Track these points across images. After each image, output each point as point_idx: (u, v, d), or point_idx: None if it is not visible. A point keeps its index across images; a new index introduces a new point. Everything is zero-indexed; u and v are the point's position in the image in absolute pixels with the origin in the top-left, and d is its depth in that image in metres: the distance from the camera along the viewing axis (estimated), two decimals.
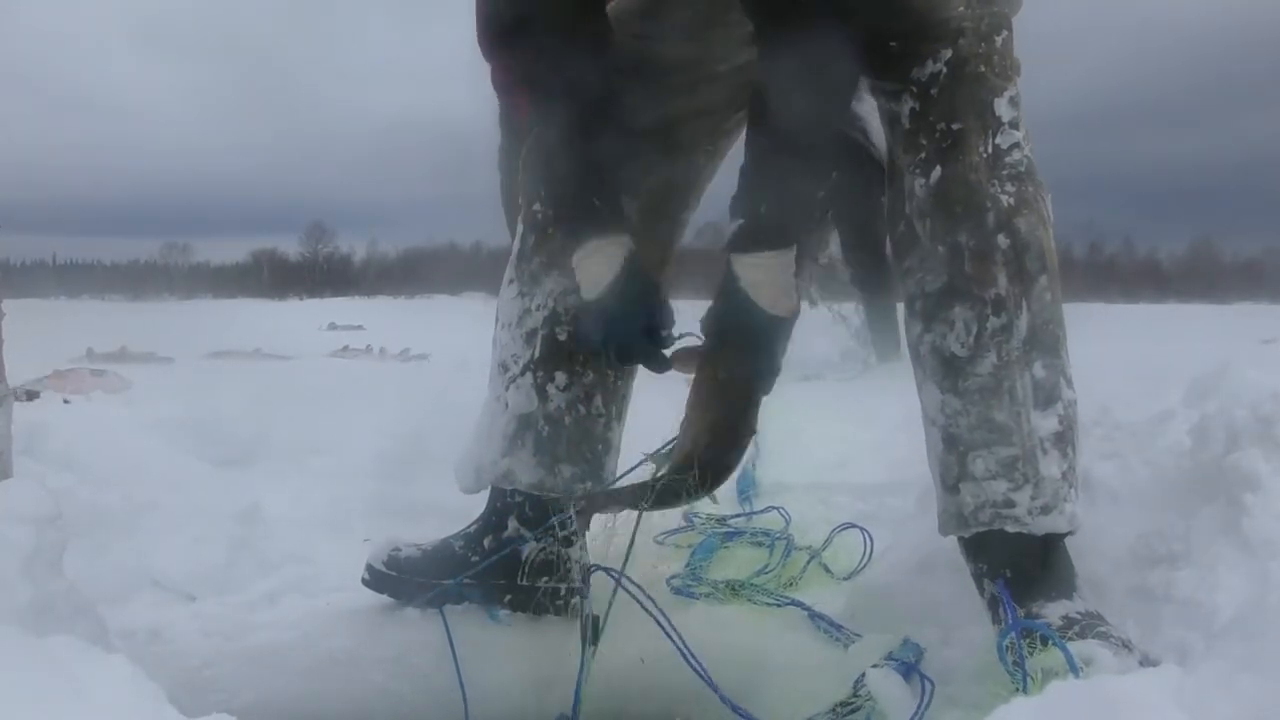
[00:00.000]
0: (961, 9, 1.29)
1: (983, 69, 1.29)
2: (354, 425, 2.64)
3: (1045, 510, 1.25)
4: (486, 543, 1.55)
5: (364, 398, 2.98)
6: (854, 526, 1.77)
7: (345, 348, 6.94)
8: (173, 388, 3.71)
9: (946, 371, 1.29)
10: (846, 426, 2.98)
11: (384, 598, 1.54)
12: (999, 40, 1.31)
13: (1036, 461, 1.25)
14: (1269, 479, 1.25)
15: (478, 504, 1.63)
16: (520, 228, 1.57)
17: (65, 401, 3.18)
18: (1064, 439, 1.27)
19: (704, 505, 2.20)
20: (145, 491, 1.99)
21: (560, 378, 1.51)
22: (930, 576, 1.36)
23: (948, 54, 1.29)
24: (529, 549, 1.54)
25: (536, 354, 1.52)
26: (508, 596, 1.53)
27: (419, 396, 2.95)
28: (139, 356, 5.77)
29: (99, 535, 1.75)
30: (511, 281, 1.56)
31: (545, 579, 1.54)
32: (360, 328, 10.13)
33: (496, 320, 1.59)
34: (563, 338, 1.51)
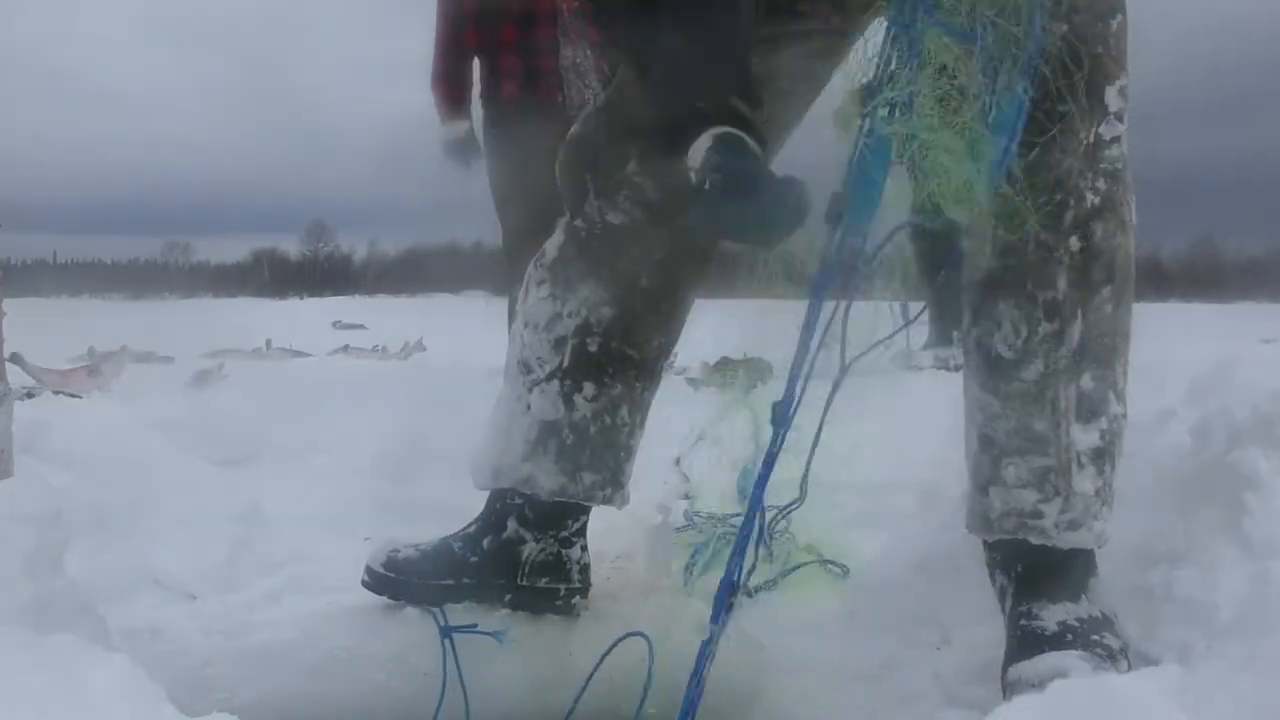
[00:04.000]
0: None
1: (1099, 50, 1.20)
2: (355, 424, 2.65)
3: (1073, 526, 1.22)
4: (485, 543, 1.55)
5: (365, 397, 2.98)
6: None
7: (346, 346, 6.95)
8: (174, 386, 3.71)
9: (990, 371, 1.25)
10: (847, 425, 2.98)
11: (385, 597, 1.54)
12: (1114, 23, 1.22)
13: (1070, 475, 1.22)
14: (1269, 478, 1.25)
15: (478, 503, 1.63)
16: (560, 236, 1.53)
17: (56, 392, 3.19)
18: (1103, 455, 1.23)
19: (705, 504, 2.22)
20: (146, 490, 1.99)
21: (588, 388, 1.49)
22: (930, 576, 1.36)
23: (1062, 28, 1.19)
24: (528, 549, 1.54)
25: (565, 363, 1.49)
26: (508, 596, 1.53)
27: (420, 396, 2.95)
28: (140, 355, 5.78)
29: (100, 534, 1.75)
30: (542, 283, 1.52)
31: (545, 579, 1.54)
32: (362, 326, 10.13)
33: (520, 317, 1.56)
34: (593, 349, 1.48)
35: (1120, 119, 1.23)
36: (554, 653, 1.47)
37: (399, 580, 1.52)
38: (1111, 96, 1.22)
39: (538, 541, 1.54)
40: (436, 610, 1.45)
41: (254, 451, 2.54)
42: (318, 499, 2.11)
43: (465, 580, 1.52)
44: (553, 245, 1.54)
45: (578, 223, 1.50)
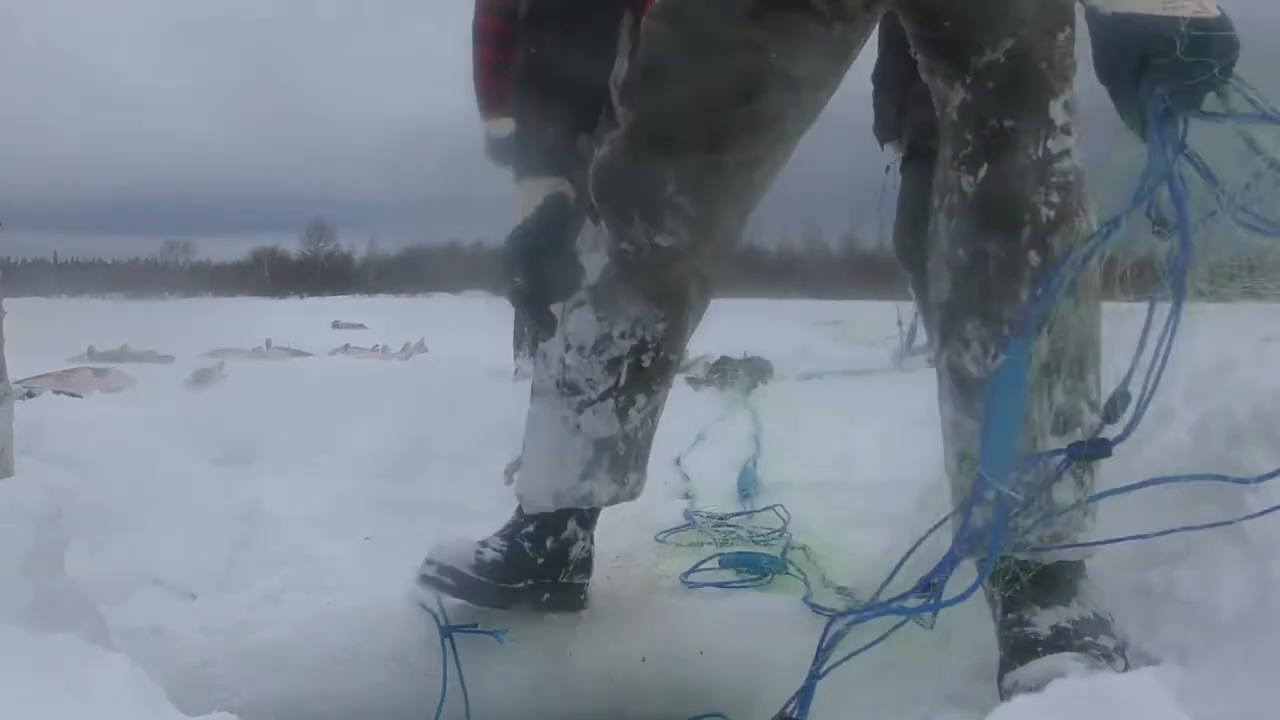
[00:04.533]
0: None
1: (1043, 66, 1.23)
2: (355, 424, 2.65)
3: (1056, 539, 1.22)
4: (549, 543, 1.53)
5: (365, 396, 2.98)
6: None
7: (346, 346, 6.95)
8: (174, 386, 3.72)
9: (962, 392, 1.26)
10: (848, 424, 2.99)
11: (384, 595, 1.54)
12: (1061, 36, 1.25)
13: (1050, 489, 1.21)
14: None
15: (478, 503, 1.63)
16: (603, 259, 1.50)
17: (57, 392, 3.20)
18: (1081, 466, 1.23)
19: (705, 504, 2.22)
20: (146, 490, 1.99)
21: (640, 400, 1.52)
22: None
23: (1009, 44, 1.22)
24: (576, 548, 1.55)
25: (621, 382, 1.50)
26: (546, 595, 1.52)
27: (420, 395, 2.95)
28: (140, 355, 5.79)
29: (100, 534, 1.75)
30: (582, 304, 1.50)
31: (580, 575, 1.56)
32: (362, 326, 10.13)
33: (559, 340, 1.53)
34: (647, 364, 1.50)
35: (1068, 132, 1.24)
36: (554, 653, 1.48)
37: (487, 584, 1.48)
38: (1056, 111, 1.24)
39: (582, 540, 1.56)
40: (436, 610, 1.45)
41: (254, 451, 2.54)
42: (318, 498, 2.11)
43: (529, 581, 1.51)
44: (595, 267, 1.51)
45: (624, 245, 1.47)
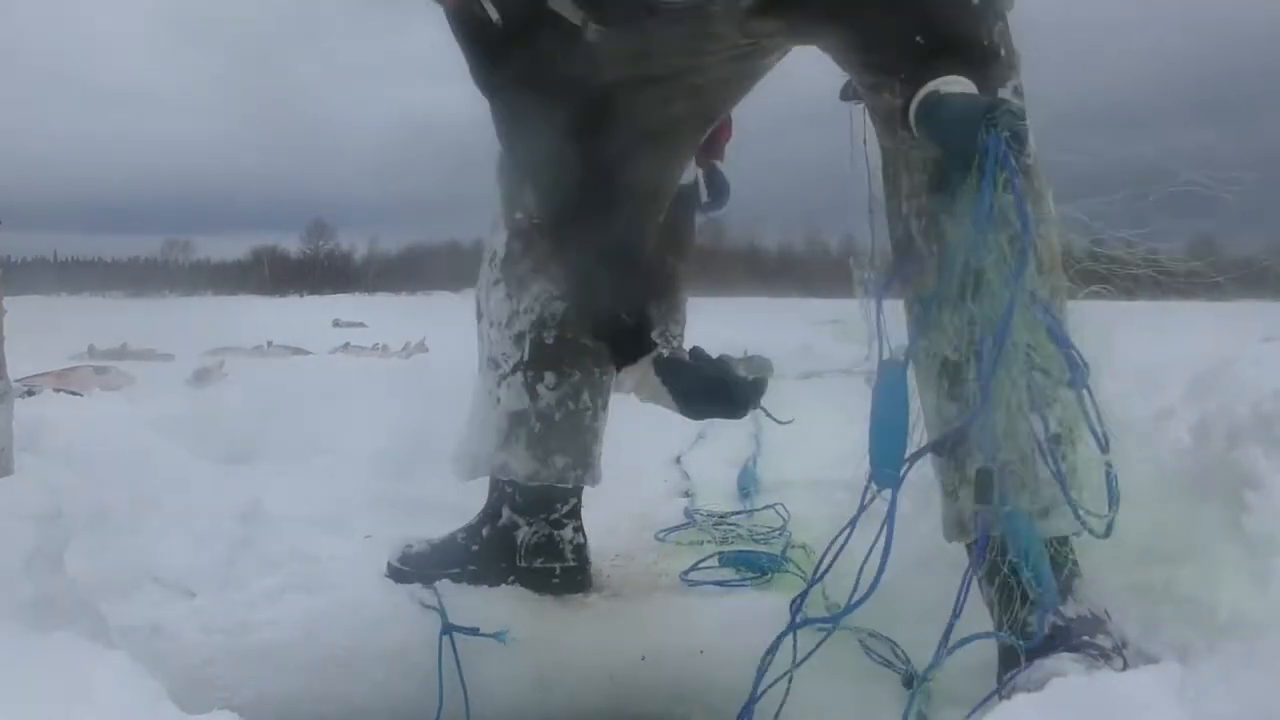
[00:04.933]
0: None
1: (1003, 53, 1.27)
2: (355, 422, 2.64)
3: (1044, 514, 1.23)
4: (485, 532, 1.65)
5: (365, 395, 2.97)
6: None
7: (347, 345, 6.95)
8: (174, 385, 3.72)
9: (942, 377, 1.29)
10: (847, 424, 2.98)
11: (384, 594, 1.55)
12: (998, 27, 1.28)
13: (1034, 465, 1.23)
14: (1270, 476, 1.25)
15: (477, 501, 1.65)
16: (504, 233, 1.62)
17: (57, 390, 3.20)
18: (1062, 441, 1.24)
19: (705, 503, 2.23)
20: (146, 488, 1.99)
21: (549, 378, 1.59)
22: (930, 576, 1.36)
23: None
24: (522, 533, 1.63)
25: (525, 356, 1.59)
26: (511, 578, 1.62)
27: (420, 394, 2.95)
28: (140, 353, 5.79)
29: (100, 532, 1.75)
30: (498, 282, 1.62)
31: (540, 560, 1.63)
32: (362, 324, 10.12)
33: (482, 316, 1.65)
34: (549, 341, 1.59)
35: (1022, 117, 1.24)
36: (554, 652, 1.48)
37: (411, 573, 1.60)
38: (1007, 96, 1.26)
39: (530, 525, 1.64)
40: (437, 609, 1.46)
41: (254, 449, 2.54)
42: (318, 497, 2.10)
43: (470, 567, 1.61)
44: (500, 243, 1.63)
45: (518, 215, 1.60)
